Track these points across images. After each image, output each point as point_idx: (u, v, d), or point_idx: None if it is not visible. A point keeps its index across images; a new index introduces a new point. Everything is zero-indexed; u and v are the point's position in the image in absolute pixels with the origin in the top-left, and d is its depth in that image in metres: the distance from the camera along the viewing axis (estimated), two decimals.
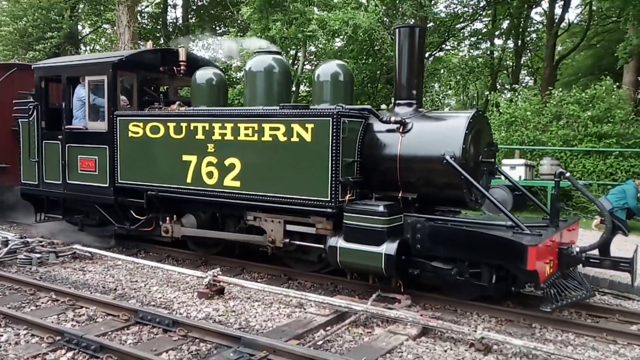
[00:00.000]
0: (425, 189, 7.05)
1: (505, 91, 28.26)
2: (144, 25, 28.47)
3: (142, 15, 28.44)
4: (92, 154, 8.99)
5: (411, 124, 7.10)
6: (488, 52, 28.00)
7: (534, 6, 24.27)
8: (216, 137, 7.72)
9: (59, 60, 10.17)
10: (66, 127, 9.31)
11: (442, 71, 26.02)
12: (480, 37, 27.06)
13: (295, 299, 6.71)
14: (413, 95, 7.50)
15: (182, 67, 9.36)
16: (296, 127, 7.03)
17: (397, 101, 7.59)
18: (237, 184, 7.56)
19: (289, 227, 7.47)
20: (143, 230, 8.98)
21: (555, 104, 16.46)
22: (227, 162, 7.64)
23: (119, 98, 8.84)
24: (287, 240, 7.50)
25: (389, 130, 7.18)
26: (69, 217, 9.98)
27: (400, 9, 20.14)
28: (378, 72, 22.21)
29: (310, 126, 6.93)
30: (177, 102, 8.95)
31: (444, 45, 27.23)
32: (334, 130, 6.76)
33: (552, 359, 5.25)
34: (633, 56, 17.70)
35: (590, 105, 15.44)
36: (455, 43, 27.73)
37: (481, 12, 26.02)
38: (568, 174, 6.80)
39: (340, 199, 6.86)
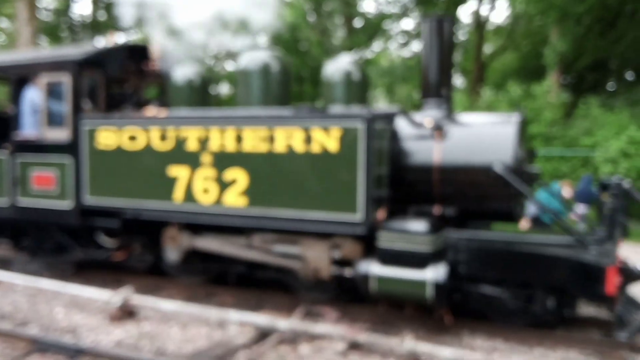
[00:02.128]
0: (465, 202, 6.30)
1: None
2: (47, 22, 26.83)
3: (45, 10, 26.79)
4: (51, 168, 7.64)
5: (448, 129, 6.35)
6: (417, 53, 28.35)
7: (460, 5, 24.75)
8: (214, 145, 6.61)
9: (6, 57, 8.71)
10: (17, 135, 7.89)
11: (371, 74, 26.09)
12: (408, 38, 27.33)
13: (215, 318, 6.31)
14: (443, 95, 6.69)
15: (153, 64, 8.18)
16: (317, 133, 6.06)
17: (425, 100, 6.77)
18: (243, 201, 6.53)
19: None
20: (115, 259, 7.80)
21: (485, 105, 16.74)
22: (228, 175, 6.54)
23: (84, 101, 7.58)
24: (335, 269, 6.40)
25: (421, 136, 6.38)
26: (16, 244, 8.57)
27: (325, 8, 20.07)
28: (304, 72, 22.01)
29: (336, 132, 5.98)
30: (154, 105, 7.76)
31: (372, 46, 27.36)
32: (367, 137, 5.86)
33: None
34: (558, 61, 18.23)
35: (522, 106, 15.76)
36: (384, 43, 27.92)
37: (409, 12, 26.30)
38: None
39: (372, 218, 6.00)
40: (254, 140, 6.39)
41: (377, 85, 27.91)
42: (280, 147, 6.26)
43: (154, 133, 6.93)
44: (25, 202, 7.88)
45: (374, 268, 5.94)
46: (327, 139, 6.02)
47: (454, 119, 6.58)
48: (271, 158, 6.31)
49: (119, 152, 7.16)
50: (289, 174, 6.23)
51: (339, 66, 7.05)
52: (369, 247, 6.12)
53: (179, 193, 6.81)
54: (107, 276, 8.25)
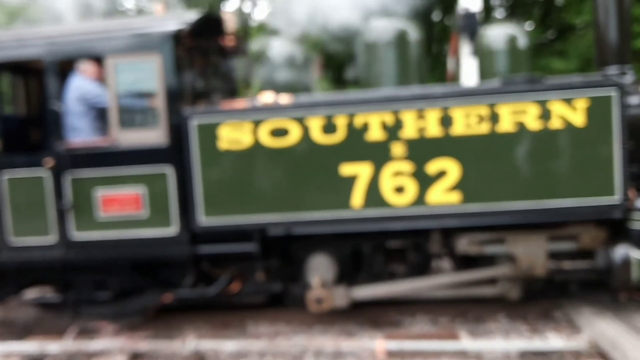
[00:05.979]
0: None
1: None
2: None
3: None
4: (134, 184, 5.67)
5: None
6: None
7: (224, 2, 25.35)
8: (408, 132, 5.41)
9: (38, 33, 6.00)
10: (64, 144, 5.75)
11: None
12: None
13: None
14: (627, 61, 5.85)
15: (231, 40, 6.62)
16: (557, 107, 5.22)
17: (604, 68, 5.90)
18: (455, 197, 5.42)
19: (551, 246, 5.66)
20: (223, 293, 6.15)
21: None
22: (431, 168, 5.43)
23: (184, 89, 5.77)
24: (552, 265, 5.71)
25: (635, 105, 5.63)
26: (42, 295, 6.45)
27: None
28: None
29: (582, 103, 5.20)
30: (270, 91, 6.16)
31: None
32: (621, 106, 5.17)
33: (266, 350, 5.38)
34: (317, 51, 19.44)
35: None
36: None
37: None
38: None
39: (628, 198, 5.33)
40: (468, 121, 5.39)
41: None
42: (506, 126, 5.34)
43: (315, 123, 5.52)
44: (85, 235, 5.77)
45: (636, 254, 5.36)
46: (570, 112, 5.27)
47: None
48: (493, 141, 5.37)
49: (255, 153, 5.54)
50: (520, 157, 5.37)
51: (500, 32, 6.31)
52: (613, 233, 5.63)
53: (357, 195, 5.54)
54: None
